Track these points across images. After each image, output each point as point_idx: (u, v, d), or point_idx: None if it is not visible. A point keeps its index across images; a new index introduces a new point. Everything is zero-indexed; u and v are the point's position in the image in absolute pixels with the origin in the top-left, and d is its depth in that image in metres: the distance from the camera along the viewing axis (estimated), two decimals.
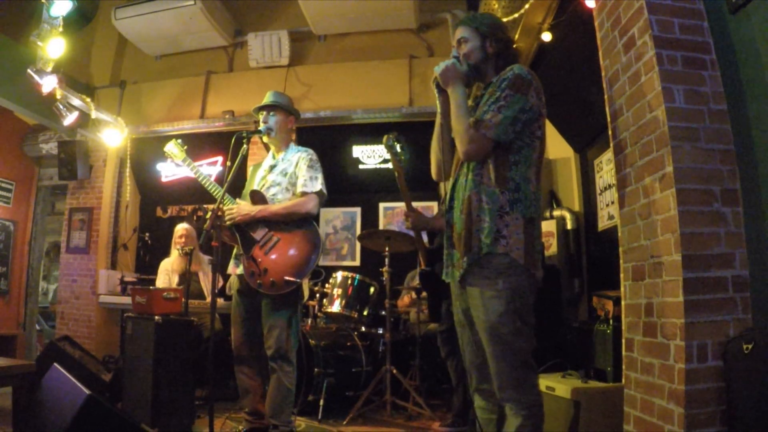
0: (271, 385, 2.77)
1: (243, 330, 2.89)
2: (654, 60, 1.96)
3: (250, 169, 3.19)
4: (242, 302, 2.89)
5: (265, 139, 3.00)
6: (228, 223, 2.80)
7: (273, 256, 2.77)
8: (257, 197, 2.87)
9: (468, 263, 1.85)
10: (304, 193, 2.84)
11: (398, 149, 2.42)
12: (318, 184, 2.88)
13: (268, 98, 3.04)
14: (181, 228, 4.43)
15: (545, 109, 1.92)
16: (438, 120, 2.07)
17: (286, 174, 2.93)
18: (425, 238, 3.09)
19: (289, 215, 2.81)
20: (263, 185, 2.95)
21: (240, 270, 2.86)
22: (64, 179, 5.71)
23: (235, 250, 2.92)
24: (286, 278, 2.71)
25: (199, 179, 3.00)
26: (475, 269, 1.84)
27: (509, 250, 1.80)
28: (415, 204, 2.81)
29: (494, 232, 1.80)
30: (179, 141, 3.09)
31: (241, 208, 2.82)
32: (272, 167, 3.00)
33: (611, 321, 2.66)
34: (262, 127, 2.97)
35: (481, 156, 1.87)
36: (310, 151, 3.00)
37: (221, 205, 2.71)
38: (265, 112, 3.02)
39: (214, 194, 2.93)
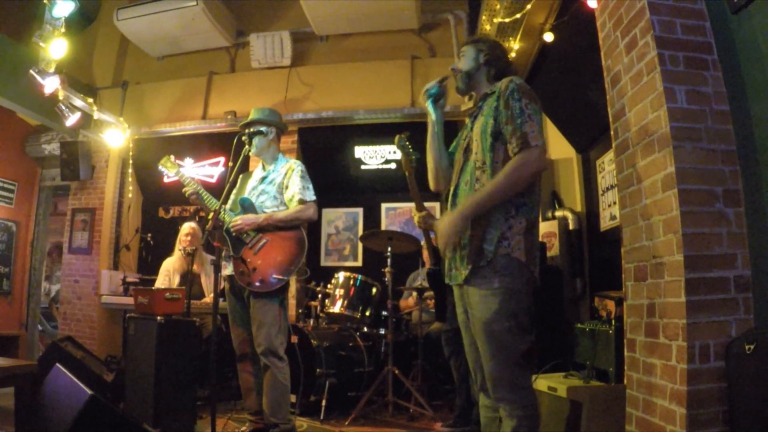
0: (265, 383, 2.82)
1: (241, 329, 2.96)
2: (656, 60, 1.97)
3: (239, 178, 3.27)
4: (235, 302, 2.98)
5: (251, 152, 3.05)
6: (234, 233, 2.91)
7: (262, 256, 2.88)
8: (246, 204, 3.00)
9: (472, 268, 1.86)
10: (302, 201, 2.97)
11: (410, 149, 2.47)
12: (312, 194, 3.04)
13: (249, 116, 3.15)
14: (187, 227, 4.40)
15: None
16: (430, 129, 2.11)
17: (274, 183, 3.06)
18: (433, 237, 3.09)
19: (293, 221, 2.95)
20: (254, 194, 3.06)
21: (229, 270, 2.94)
22: (66, 180, 5.72)
23: (224, 252, 2.97)
24: (274, 276, 2.83)
25: (189, 189, 3.04)
26: (476, 270, 1.86)
27: (510, 251, 1.81)
28: None
29: (498, 237, 1.82)
30: (171, 157, 3.24)
31: (245, 218, 2.93)
32: (263, 179, 3.11)
33: (613, 321, 2.66)
34: (261, 129, 3.03)
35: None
36: (299, 162, 3.14)
37: (220, 213, 2.75)
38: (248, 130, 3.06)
39: (209, 204, 2.99)
